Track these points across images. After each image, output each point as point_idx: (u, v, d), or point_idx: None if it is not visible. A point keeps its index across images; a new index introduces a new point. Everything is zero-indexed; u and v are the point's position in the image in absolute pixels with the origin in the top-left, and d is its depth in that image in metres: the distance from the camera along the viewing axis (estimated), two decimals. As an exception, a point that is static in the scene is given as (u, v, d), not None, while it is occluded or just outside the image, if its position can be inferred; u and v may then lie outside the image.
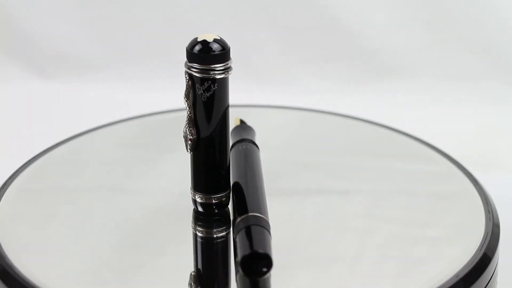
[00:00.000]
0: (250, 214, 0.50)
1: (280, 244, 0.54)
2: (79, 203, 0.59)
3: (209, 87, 0.52)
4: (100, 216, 0.58)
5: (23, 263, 0.51)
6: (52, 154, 0.65)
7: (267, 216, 0.51)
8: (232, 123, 0.60)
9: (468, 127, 0.98)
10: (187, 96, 0.52)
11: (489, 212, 0.57)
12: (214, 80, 0.51)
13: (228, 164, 0.54)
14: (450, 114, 1.00)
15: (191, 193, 0.55)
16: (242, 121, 0.64)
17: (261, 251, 0.46)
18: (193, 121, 0.52)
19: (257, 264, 0.46)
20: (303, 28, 1.04)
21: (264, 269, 0.46)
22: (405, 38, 1.03)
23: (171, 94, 0.98)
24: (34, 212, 0.58)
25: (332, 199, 0.60)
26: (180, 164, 0.58)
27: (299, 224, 0.57)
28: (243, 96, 0.96)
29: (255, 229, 0.49)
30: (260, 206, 0.51)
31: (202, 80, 0.51)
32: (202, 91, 0.52)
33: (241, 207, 0.51)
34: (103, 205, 0.59)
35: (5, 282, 0.50)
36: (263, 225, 0.49)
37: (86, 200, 0.60)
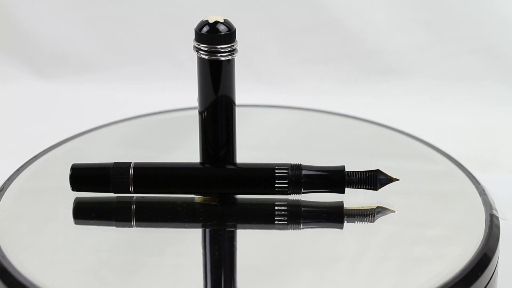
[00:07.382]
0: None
1: (280, 244, 0.54)
2: (79, 203, 0.59)
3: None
4: (100, 216, 0.58)
5: (23, 263, 0.51)
6: (52, 154, 0.65)
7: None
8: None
9: (468, 127, 0.98)
10: None
11: (489, 212, 0.57)
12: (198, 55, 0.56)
13: (225, 141, 0.57)
14: (450, 114, 1.00)
15: None
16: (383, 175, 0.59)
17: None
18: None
19: None
20: (303, 28, 1.04)
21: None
22: (405, 38, 1.03)
23: (171, 94, 0.98)
24: (34, 212, 0.58)
25: (332, 198, 0.60)
26: (180, 164, 0.58)
27: (298, 224, 0.57)
28: (243, 96, 0.96)
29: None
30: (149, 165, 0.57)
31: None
32: None
33: None
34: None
35: (5, 282, 0.50)
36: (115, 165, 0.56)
37: (86, 200, 0.60)
